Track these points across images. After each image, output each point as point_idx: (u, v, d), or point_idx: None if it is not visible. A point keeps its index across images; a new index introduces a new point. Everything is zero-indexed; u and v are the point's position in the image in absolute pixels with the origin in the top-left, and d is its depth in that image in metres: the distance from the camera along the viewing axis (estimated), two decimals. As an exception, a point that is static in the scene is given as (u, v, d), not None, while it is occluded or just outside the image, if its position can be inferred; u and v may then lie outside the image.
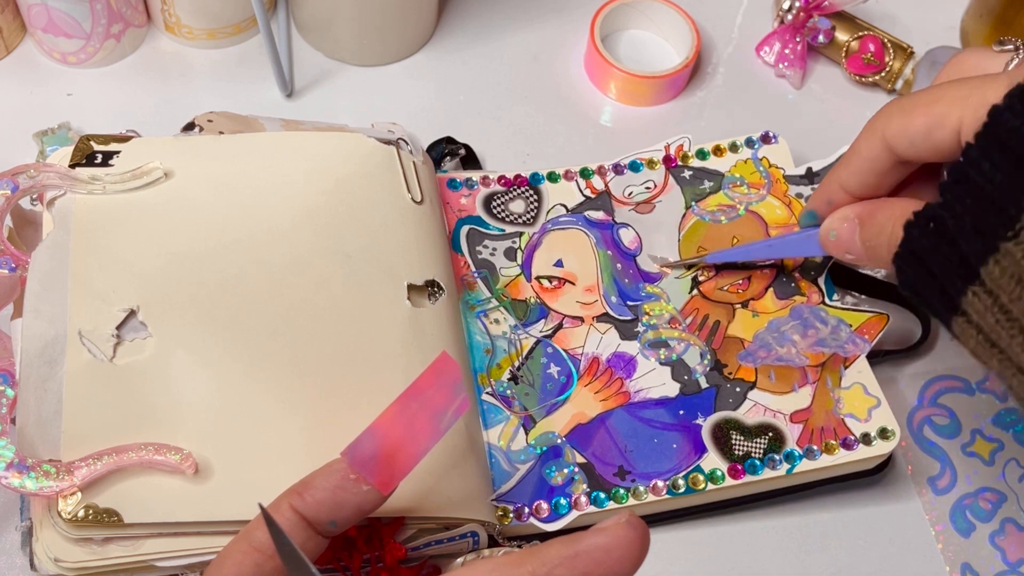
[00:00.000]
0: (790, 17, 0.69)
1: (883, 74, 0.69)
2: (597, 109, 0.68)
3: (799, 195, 0.61)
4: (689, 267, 0.59)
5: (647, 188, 0.61)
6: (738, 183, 0.62)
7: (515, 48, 0.70)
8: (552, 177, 0.61)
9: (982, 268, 0.40)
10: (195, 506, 0.45)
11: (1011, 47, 0.47)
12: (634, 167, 0.62)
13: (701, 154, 0.63)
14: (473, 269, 0.58)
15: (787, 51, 0.70)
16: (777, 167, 0.62)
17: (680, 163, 0.62)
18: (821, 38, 0.69)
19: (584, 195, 0.61)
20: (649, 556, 0.53)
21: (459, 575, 0.36)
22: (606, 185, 0.61)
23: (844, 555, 0.55)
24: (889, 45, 0.68)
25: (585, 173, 0.62)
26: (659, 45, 0.71)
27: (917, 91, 0.47)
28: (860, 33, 0.69)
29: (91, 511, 0.43)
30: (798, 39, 0.69)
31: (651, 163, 0.62)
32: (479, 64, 0.70)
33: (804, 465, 0.53)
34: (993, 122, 0.39)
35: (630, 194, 0.61)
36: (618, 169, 0.62)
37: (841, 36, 0.69)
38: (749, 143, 0.63)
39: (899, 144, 0.46)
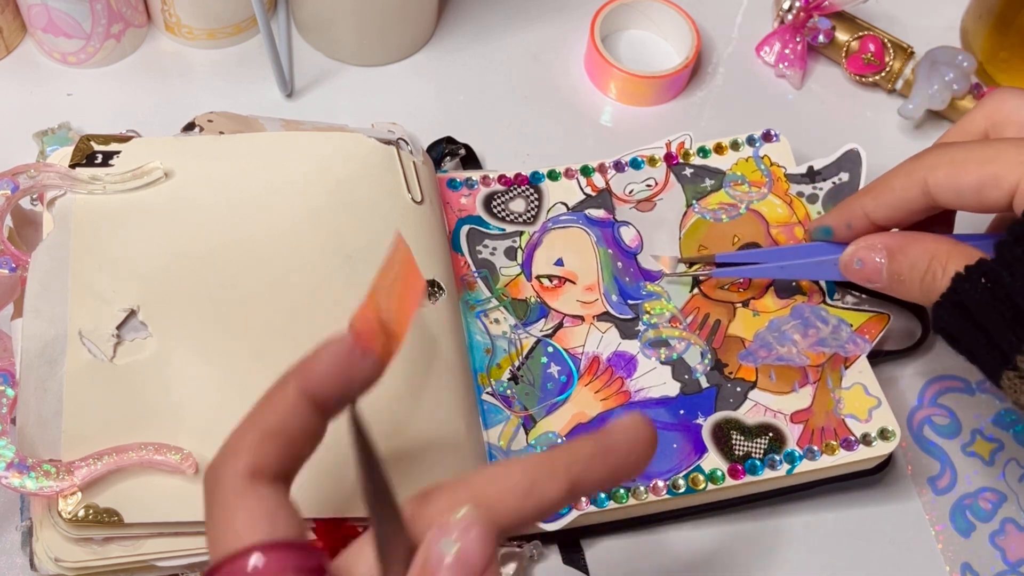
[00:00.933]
0: (790, 17, 0.69)
1: (883, 74, 0.69)
2: (597, 109, 0.68)
3: (800, 194, 0.61)
4: (691, 265, 0.59)
5: (648, 186, 0.61)
6: (739, 181, 0.62)
7: (515, 48, 0.70)
8: (553, 175, 0.61)
9: None
10: (195, 506, 0.44)
11: None
12: (635, 164, 0.62)
13: (702, 152, 0.63)
14: (473, 269, 0.58)
15: (787, 51, 0.70)
16: (778, 165, 0.62)
17: (681, 161, 0.62)
18: (821, 38, 0.69)
19: (585, 193, 0.61)
20: (650, 556, 0.53)
21: (494, 472, 0.35)
22: (607, 183, 0.61)
23: (844, 555, 0.55)
24: (889, 45, 0.69)
25: (586, 171, 0.62)
26: (659, 45, 0.71)
27: (966, 144, 0.47)
28: (860, 33, 0.69)
29: (91, 511, 0.43)
30: (798, 39, 0.69)
31: (652, 160, 0.62)
32: (479, 64, 0.70)
33: (804, 466, 0.53)
34: None
35: (631, 192, 0.61)
36: (619, 166, 0.62)
37: (841, 36, 0.69)
38: (750, 141, 0.63)
39: (943, 194, 0.46)
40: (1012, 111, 0.47)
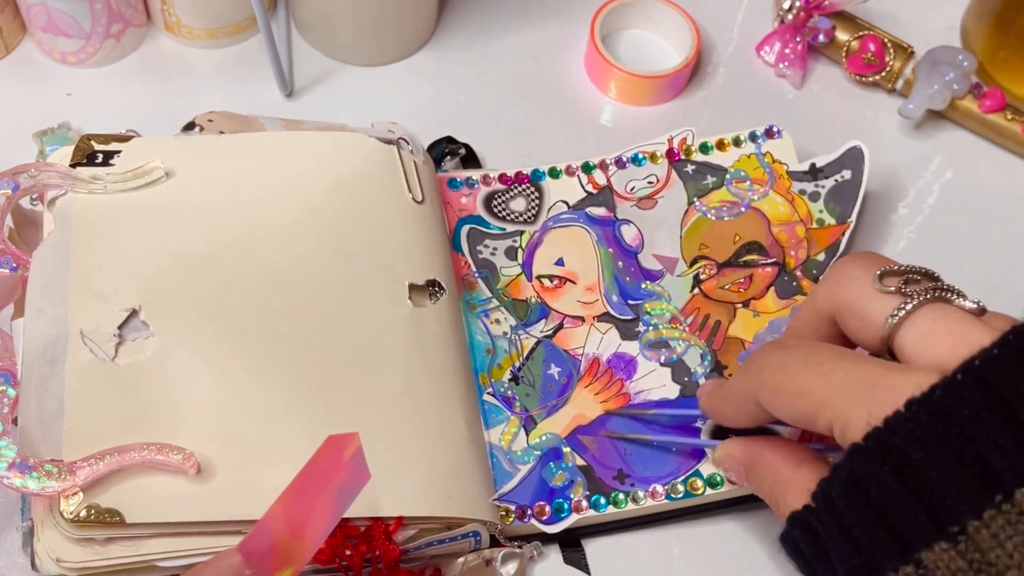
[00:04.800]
0: (790, 17, 0.69)
1: (883, 74, 0.69)
2: (597, 109, 0.68)
3: (802, 192, 0.61)
4: (692, 263, 0.59)
5: (649, 183, 0.61)
6: (741, 179, 0.62)
7: (515, 48, 0.70)
8: (554, 173, 0.61)
9: None
10: (197, 506, 0.45)
11: (892, 288, 0.41)
12: (636, 160, 0.62)
13: (704, 148, 0.63)
14: (473, 269, 0.58)
15: (787, 51, 0.70)
16: (780, 163, 0.62)
17: (683, 157, 0.62)
18: (821, 38, 0.69)
19: (586, 191, 0.61)
20: (649, 556, 0.53)
21: None
22: (608, 180, 0.61)
23: (845, 555, 0.54)
24: (889, 45, 0.69)
25: (587, 167, 0.62)
26: (659, 45, 0.71)
27: (787, 361, 0.41)
28: (860, 33, 0.69)
29: (93, 511, 0.43)
30: (798, 39, 0.69)
31: (654, 157, 0.62)
32: (479, 64, 0.70)
33: (805, 465, 0.53)
34: (885, 439, 0.36)
35: (632, 189, 0.61)
36: (620, 163, 0.62)
37: (841, 36, 0.69)
38: (753, 137, 0.63)
39: (778, 415, 0.43)
40: (851, 299, 0.43)
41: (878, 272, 0.42)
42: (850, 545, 0.38)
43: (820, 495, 0.39)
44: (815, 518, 0.39)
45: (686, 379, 0.55)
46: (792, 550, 0.41)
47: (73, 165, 0.52)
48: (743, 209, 0.61)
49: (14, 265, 0.50)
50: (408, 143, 0.59)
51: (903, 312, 0.40)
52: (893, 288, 0.41)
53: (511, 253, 0.59)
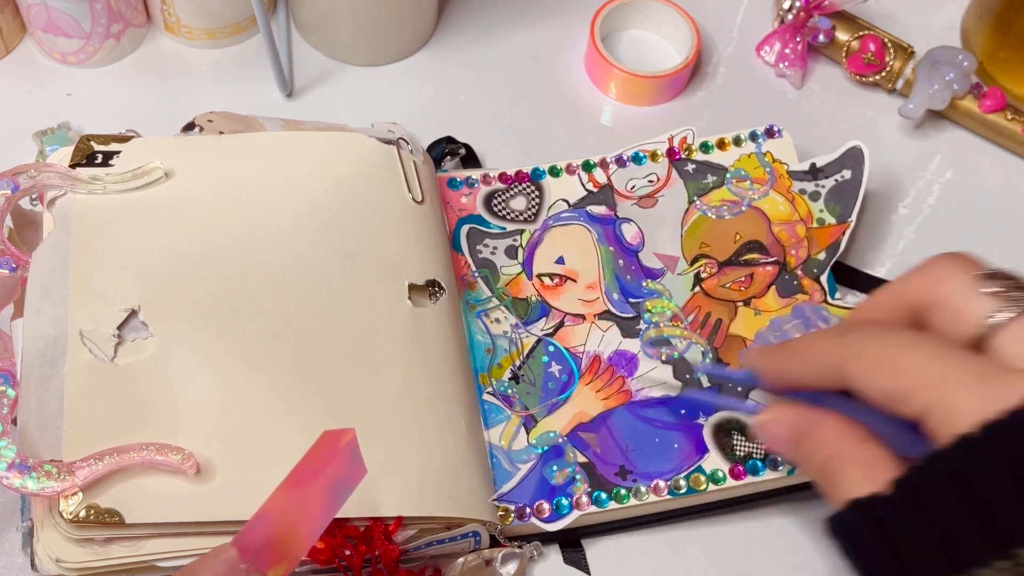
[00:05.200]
0: (790, 17, 0.69)
1: (883, 74, 0.69)
2: (597, 109, 0.68)
3: (803, 191, 0.61)
4: (693, 263, 0.59)
5: (650, 181, 0.61)
6: (741, 178, 0.62)
7: (515, 48, 0.70)
8: (554, 171, 0.61)
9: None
10: (197, 506, 0.45)
11: (997, 288, 0.41)
12: (636, 159, 0.62)
13: (705, 147, 0.62)
14: (473, 268, 0.58)
15: (787, 51, 0.70)
16: (781, 162, 0.62)
17: (683, 156, 0.62)
18: (821, 38, 0.69)
19: (586, 189, 0.61)
20: (649, 556, 0.53)
21: None
22: (608, 179, 0.61)
23: (846, 554, 0.54)
24: (889, 45, 0.68)
25: (587, 166, 0.62)
26: (659, 45, 0.71)
27: (886, 339, 0.41)
28: (860, 33, 0.69)
29: (92, 511, 0.43)
30: (798, 39, 0.69)
31: (654, 155, 0.62)
32: (479, 64, 0.70)
33: (806, 464, 0.53)
34: (1004, 430, 0.36)
35: (632, 188, 0.61)
36: (620, 161, 0.62)
37: (841, 36, 0.69)
38: (753, 137, 0.63)
39: (858, 389, 0.41)
40: (948, 295, 0.42)
41: (979, 273, 0.42)
42: (935, 536, 0.36)
43: (906, 483, 0.38)
44: (888, 505, 0.38)
45: (687, 376, 0.55)
46: (844, 535, 0.40)
47: (73, 165, 0.52)
48: (744, 208, 0.61)
49: (14, 265, 0.50)
50: (408, 143, 0.59)
51: (1007, 315, 0.40)
52: (996, 290, 0.41)
53: (511, 252, 0.59)
